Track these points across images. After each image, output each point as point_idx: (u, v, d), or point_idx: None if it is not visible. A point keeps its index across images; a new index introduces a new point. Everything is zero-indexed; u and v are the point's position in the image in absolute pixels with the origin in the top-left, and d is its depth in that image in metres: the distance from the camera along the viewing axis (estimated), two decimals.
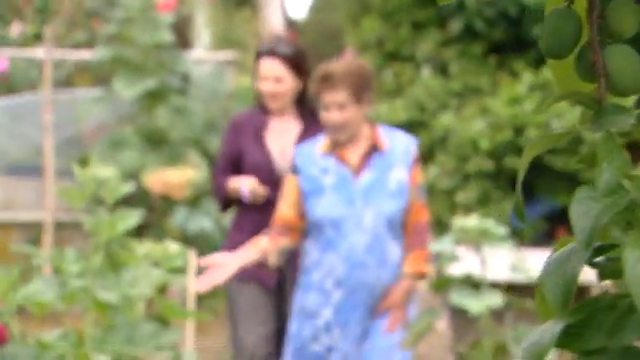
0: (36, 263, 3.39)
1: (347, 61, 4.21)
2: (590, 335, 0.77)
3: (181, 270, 6.03)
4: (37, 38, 8.45)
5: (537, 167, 6.65)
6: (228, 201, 4.38)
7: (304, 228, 3.88)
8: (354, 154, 3.84)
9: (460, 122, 6.73)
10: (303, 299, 3.83)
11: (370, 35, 7.47)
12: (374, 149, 3.86)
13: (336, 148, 3.83)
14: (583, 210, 0.79)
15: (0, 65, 8.82)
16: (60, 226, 6.75)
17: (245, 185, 4.16)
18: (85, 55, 8.20)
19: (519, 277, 5.20)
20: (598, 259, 0.84)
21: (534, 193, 6.67)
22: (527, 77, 6.67)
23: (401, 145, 3.91)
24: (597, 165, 0.90)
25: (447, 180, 6.63)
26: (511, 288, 5.13)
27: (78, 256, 3.03)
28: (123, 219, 2.90)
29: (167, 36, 7.16)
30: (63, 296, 2.91)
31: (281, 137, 4.32)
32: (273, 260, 3.81)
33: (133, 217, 2.96)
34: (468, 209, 6.11)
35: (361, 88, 3.78)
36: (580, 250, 0.78)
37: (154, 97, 7.06)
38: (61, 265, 3.00)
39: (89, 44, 8.23)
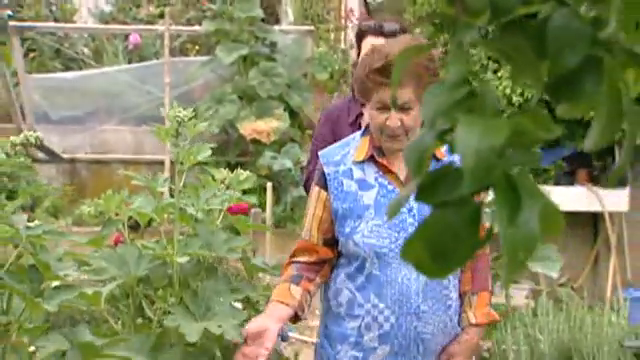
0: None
1: (408, 44, 2.18)
2: (439, 189, 0.79)
3: (251, 192, 6.23)
4: (160, 17, 8.59)
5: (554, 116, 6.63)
6: None
7: (333, 261, 2.43)
8: (399, 161, 2.35)
9: (497, 81, 6.68)
10: (334, 356, 2.36)
11: (422, 9, 7.42)
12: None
13: (379, 155, 2.36)
14: (431, 98, 0.80)
15: (133, 39, 9.03)
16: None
17: None
18: (195, 29, 8.33)
19: None
20: (448, 137, 0.82)
21: (558, 140, 6.59)
22: None
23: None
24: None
25: None
26: None
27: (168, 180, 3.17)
28: (200, 151, 3.00)
29: (259, 13, 7.25)
30: (156, 210, 3.05)
31: None
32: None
33: (207, 150, 3.05)
34: None
35: (428, 82, 2.25)
36: (428, 128, 0.80)
37: (248, 62, 7.20)
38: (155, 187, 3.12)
39: (198, 20, 8.35)
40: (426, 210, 2.14)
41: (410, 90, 2.21)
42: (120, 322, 3.06)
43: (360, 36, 3.14)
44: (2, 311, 2.17)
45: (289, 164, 6.67)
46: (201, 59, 7.84)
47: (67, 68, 9.29)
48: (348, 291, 2.34)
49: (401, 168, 2.33)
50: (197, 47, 9.10)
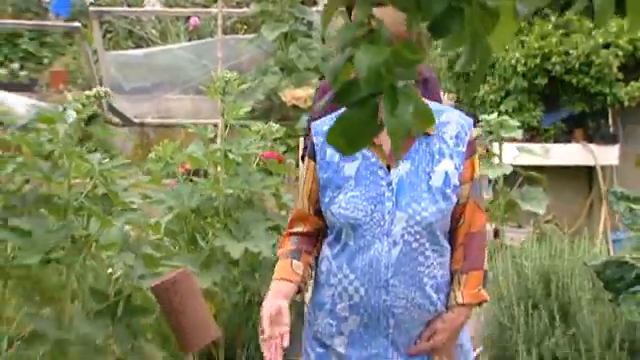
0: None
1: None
2: (349, 94, 0.94)
3: (290, 150, 6.45)
4: (214, 0, 8.78)
5: (560, 83, 6.73)
6: None
7: (323, 230, 2.22)
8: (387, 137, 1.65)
9: (504, 52, 6.74)
10: (314, 321, 2.18)
11: None
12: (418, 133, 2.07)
13: None
14: (343, 33, 0.96)
15: (193, 21, 9.32)
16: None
17: None
18: (244, 11, 8.54)
19: (525, 157, 5.40)
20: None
21: (558, 103, 6.70)
22: (553, 18, 6.66)
23: (453, 127, 2.13)
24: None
25: (493, 95, 6.68)
26: (519, 166, 5.33)
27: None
28: (242, 106, 3.25)
29: None
30: (206, 154, 3.33)
31: None
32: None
33: (247, 105, 3.30)
34: (509, 116, 6.20)
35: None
36: (340, 53, 0.96)
37: (288, 38, 7.36)
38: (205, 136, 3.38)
39: (247, 3, 8.52)
40: (403, 184, 2.03)
41: None
42: (177, 247, 3.36)
43: None
44: (83, 227, 2.35)
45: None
46: (249, 37, 7.98)
47: (137, 46, 9.67)
48: (327, 260, 2.15)
49: (386, 141, 2.06)
50: (245, 26, 9.33)
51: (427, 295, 2.08)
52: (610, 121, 6.67)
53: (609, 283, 2.94)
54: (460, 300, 2.12)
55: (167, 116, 8.14)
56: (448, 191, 2.05)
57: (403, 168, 2.05)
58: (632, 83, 6.36)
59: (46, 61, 9.40)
